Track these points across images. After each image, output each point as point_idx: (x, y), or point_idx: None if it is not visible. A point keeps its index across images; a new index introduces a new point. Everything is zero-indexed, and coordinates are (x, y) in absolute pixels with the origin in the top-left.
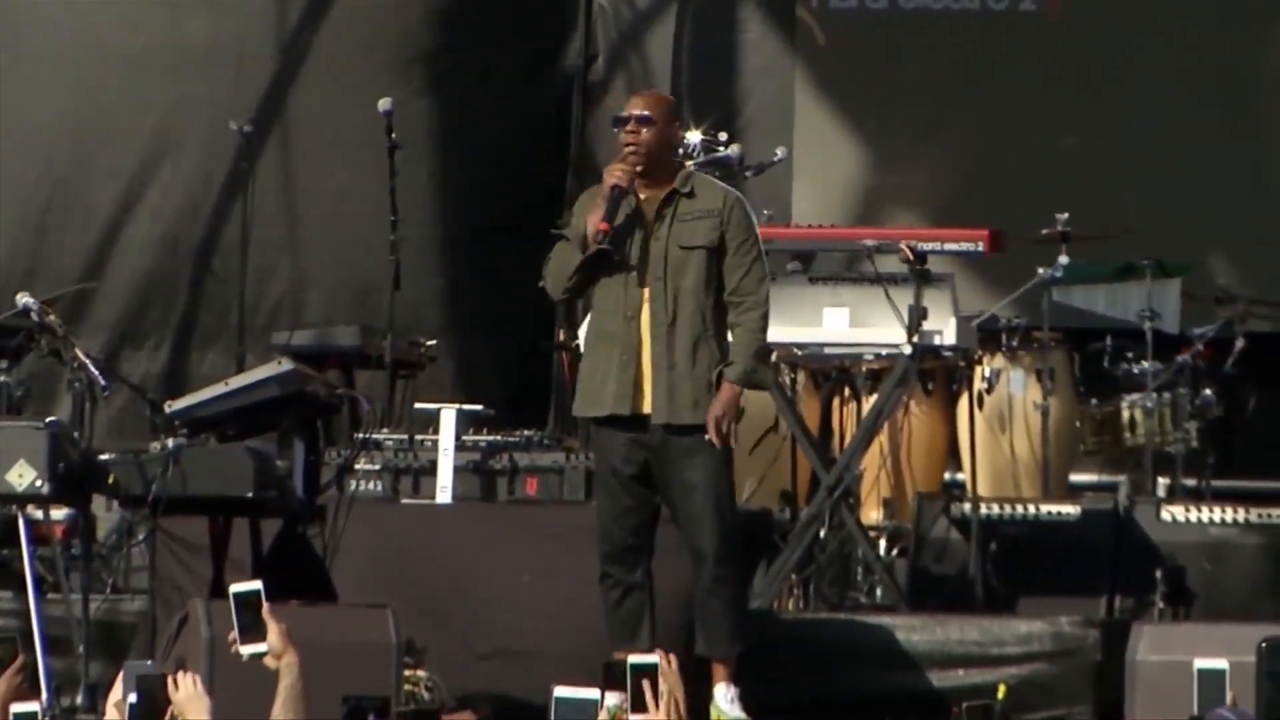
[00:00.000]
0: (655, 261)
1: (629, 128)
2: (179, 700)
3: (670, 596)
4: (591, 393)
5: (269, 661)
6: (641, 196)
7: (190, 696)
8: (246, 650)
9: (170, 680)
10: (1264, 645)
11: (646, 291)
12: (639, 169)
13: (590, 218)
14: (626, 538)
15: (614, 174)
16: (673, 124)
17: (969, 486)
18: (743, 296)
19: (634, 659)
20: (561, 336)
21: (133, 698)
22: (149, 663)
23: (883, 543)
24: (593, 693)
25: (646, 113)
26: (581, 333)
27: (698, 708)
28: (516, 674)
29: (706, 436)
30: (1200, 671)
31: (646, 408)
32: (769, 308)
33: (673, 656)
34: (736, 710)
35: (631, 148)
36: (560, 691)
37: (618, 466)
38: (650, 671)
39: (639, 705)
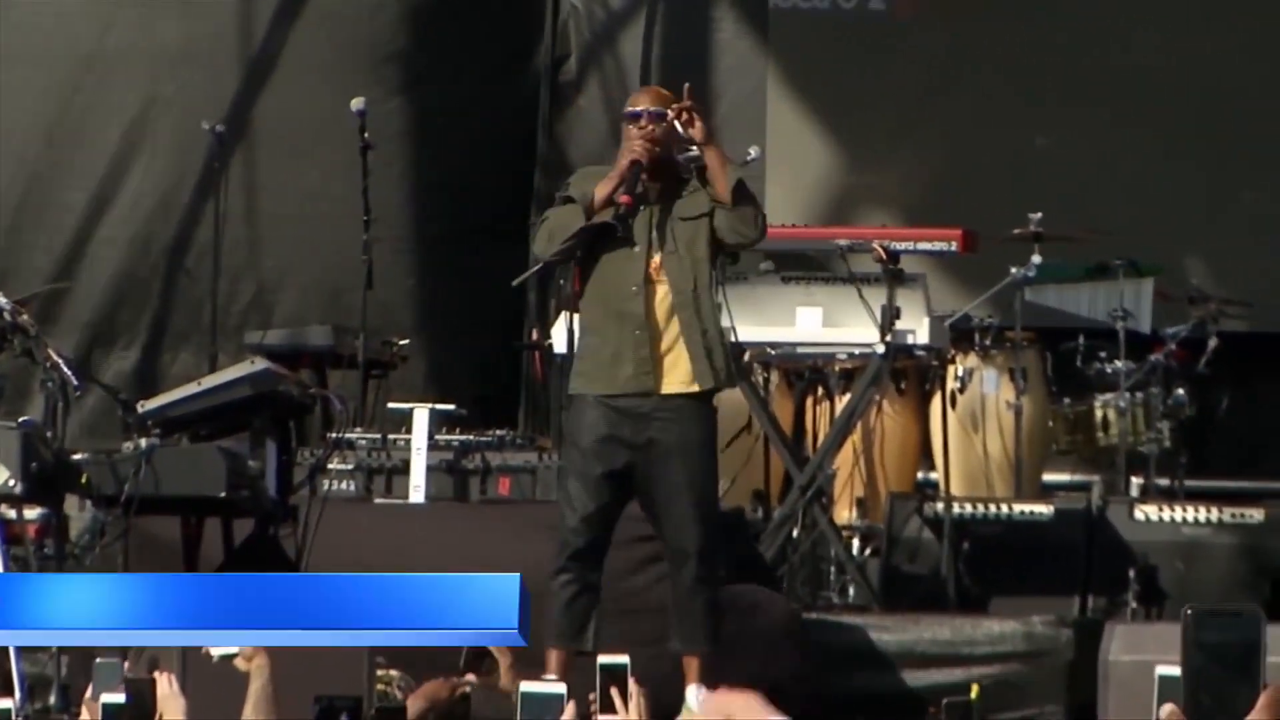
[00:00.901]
0: (667, 236)
1: (642, 123)
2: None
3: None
4: (599, 370)
5: (240, 664)
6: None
7: (166, 696)
8: (218, 653)
9: (153, 683)
10: (1189, 613)
11: (657, 267)
12: (655, 150)
13: (601, 188)
14: (597, 536)
15: (634, 149)
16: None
17: (942, 486)
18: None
19: (604, 659)
20: (533, 336)
21: (117, 697)
22: (121, 661)
23: (855, 542)
24: (560, 687)
25: (659, 108)
26: (555, 332)
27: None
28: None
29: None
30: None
31: (662, 386)
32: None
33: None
34: None
35: (647, 142)
36: (526, 686)
37: (601, 466)
38: (620, 672)
39: (607, 706)
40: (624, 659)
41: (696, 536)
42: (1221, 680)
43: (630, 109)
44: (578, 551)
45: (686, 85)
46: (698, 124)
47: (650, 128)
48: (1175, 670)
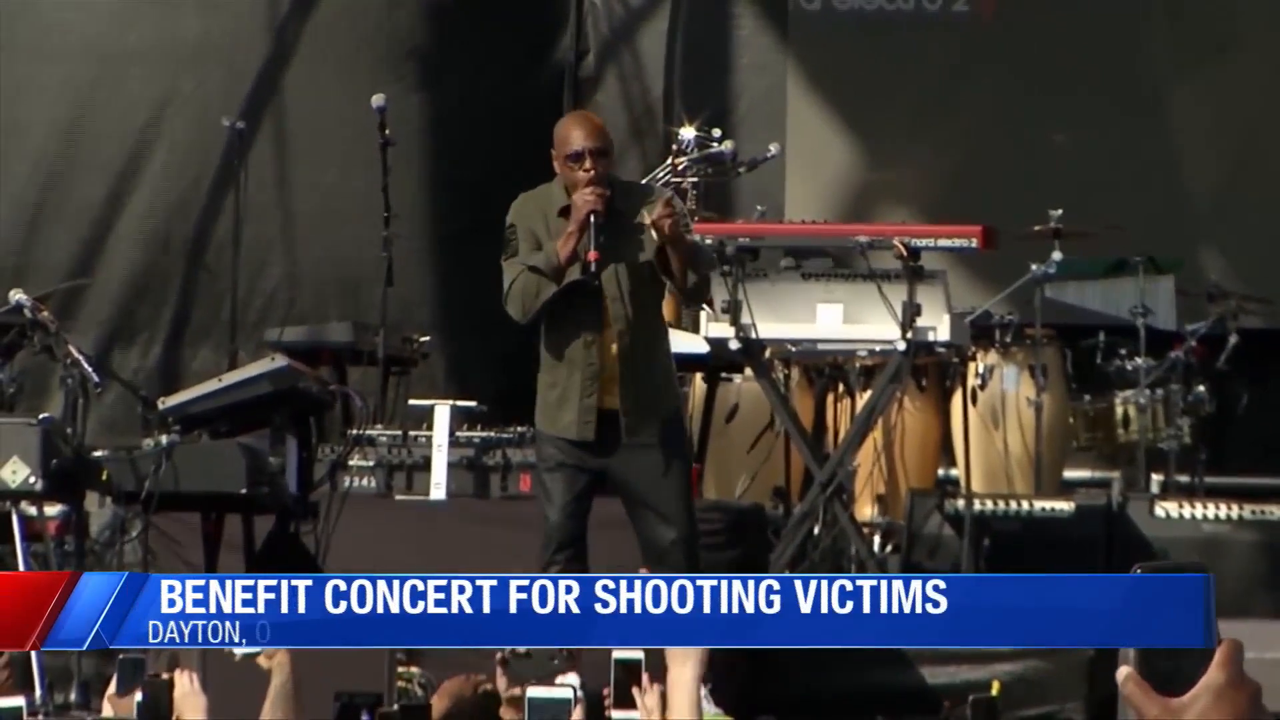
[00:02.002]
0: (609, 282)
1: (586, 165)
2: (176, 698)
3: None
4: (550, 412)
5: (262, 661)
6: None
7: (187, 694)
8: (239, 651)
9: (170, 684)
10: (1136, 573)
11: (605, 316)
12: (608, 195)
13: (564, 247)
14: (577, 527)
15: (588, 200)
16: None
17: (962, 483)
18: None
19: (618, 654)
20: None
21: (138, 696)
22: (143, 657)
23: (876, 539)
24: (566, 692)
25: (602, 145)
26: None
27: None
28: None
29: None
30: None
31: (611, 406)
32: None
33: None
34: (711, 706)
35: (596, 180)
36: (534, 691)
37: (574, 463)
38: (635, 668)
39: (621, 701)
40: (639, 654)
41: (680, 530)
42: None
43: (570, 149)
44: (562, 543)
45: (668, 194)
46: (672, 230)
47: (593, 169)
48: None
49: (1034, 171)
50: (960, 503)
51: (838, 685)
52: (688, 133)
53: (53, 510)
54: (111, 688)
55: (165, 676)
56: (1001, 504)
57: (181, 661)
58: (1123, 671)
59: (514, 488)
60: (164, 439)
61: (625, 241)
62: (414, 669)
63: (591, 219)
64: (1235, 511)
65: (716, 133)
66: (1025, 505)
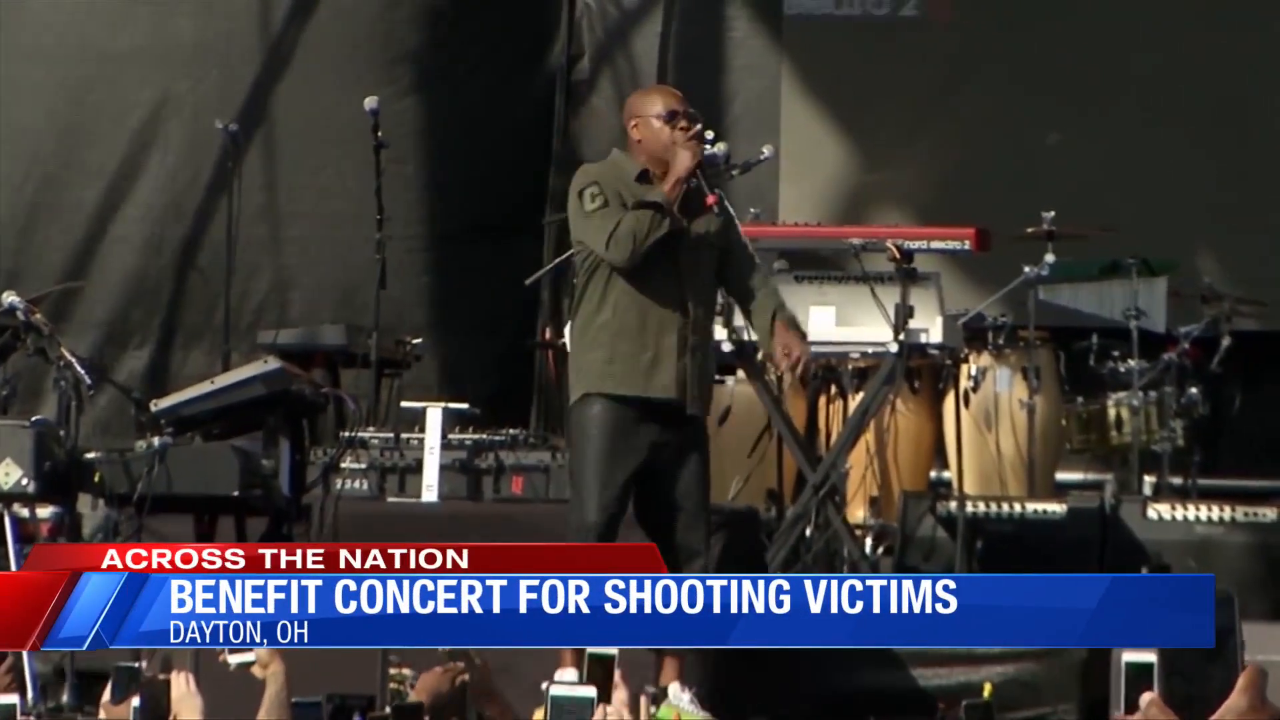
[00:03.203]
0: (692, 267)
1: (683, 122)
2: (173, 700)
3: None
4: (636, 373)
5: (256, 671)
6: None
7: (183, 696)
8: (234, 660)
9: (168, 683)
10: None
11: (684, 289)
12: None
13: (671, 189)
14: (607, 528)
15: (694, 150)
16: None
17: (955, 485)
18: (769, 285)
19: (592, 650)
20: (546, 334)
21: (135, 701)
22: (139, 664)
23: (869, 541)
24: (589, 690)
25: (692, 108)
26: (568, 331)
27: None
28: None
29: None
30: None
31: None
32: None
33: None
34: (699, 710)
35: (697, 135)
36: (556, 690)
37: (629, 463)
38: (609, 663)
39: (605, 695)
40: (613, 650)
41: (704, 535)
42: (1194, 665)
43: (665, 109)
44: (603, 536)
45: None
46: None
47: (692, 125)
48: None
49: (1027, 174)
50: (953, 505)
51: (830, 686)
52: None
53: (45, 512)
54: (106, 695)
55: (162, 678)
56: (994, 506)
57: (175, 663)
58: (1146, 696)
59: (506, 490)
60: (157, 441)
61: (704, 223)
62: (405, 670)
63: (698, 168)
64: (1228, 514)
65: (710, 135)
66: (1018, 507)
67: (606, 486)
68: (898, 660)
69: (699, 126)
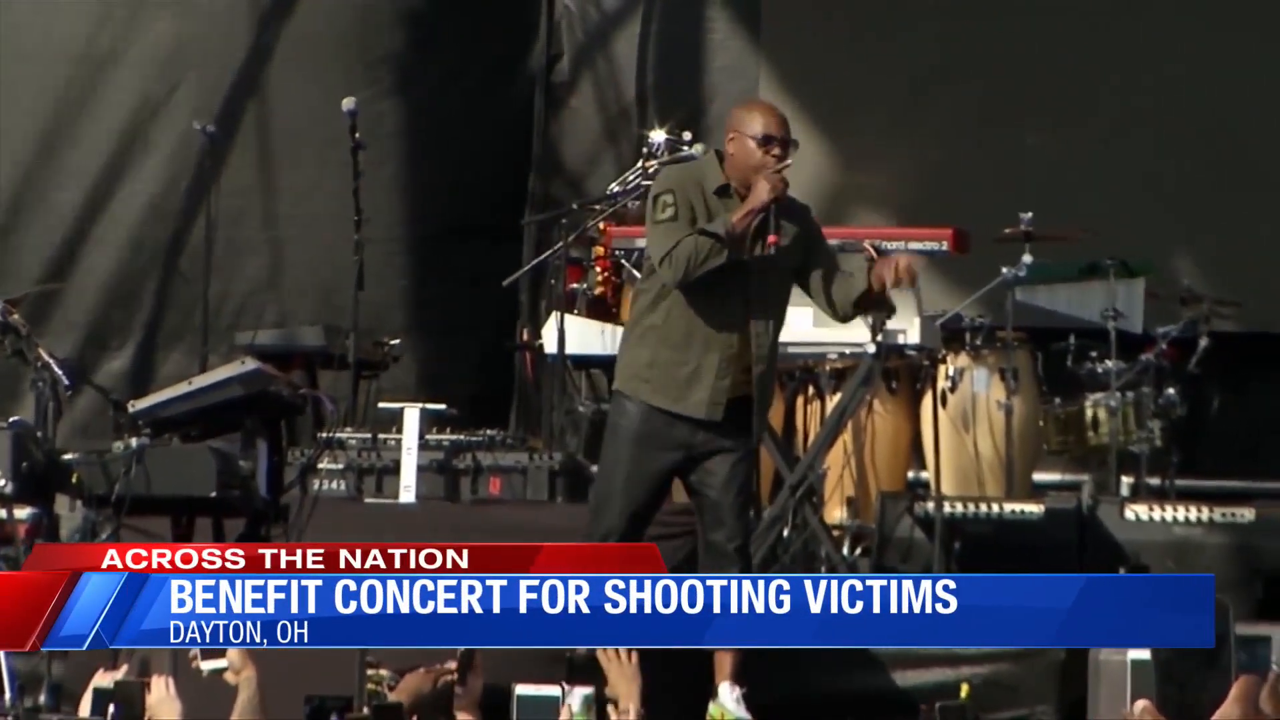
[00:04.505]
0: (760, 285)
1: (776, 151)
2: (152, 704)
3: None
4: (674, 388)
5: (229, 677)
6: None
7: (163, 700)
8: (207, 666)
9: (144, 685)
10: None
11: (749, 307)
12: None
13: (739, 220)
14: (633, 533)
15: (775, 185)
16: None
17: (933, 486)
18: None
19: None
20: (525, 336)
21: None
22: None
23: (846, 542)
24: (554, 690)
25: (790, 138)
26: (546, 333)
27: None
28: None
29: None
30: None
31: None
32: None
33: (634, 653)
34: (742, 710)
35: (782, 171)
36: (522, 689)
37: (656, 463)
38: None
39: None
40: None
41: (741, 535)
42: (1189, 672)
43: (762, 131)
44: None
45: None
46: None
47: (784, 156)
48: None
49: (1007, 175)
50: (931, 506)
51: (808, 688)
52: (658, 136)
53: (23, 513)
54: (84, 707)
55: (137, 681)
56: (972, 507)
57: (154, 667)
58: (1140, 704)
59: (484, 491)
60: (135, 442)
61: (782, 250)
62: (383, 671)
63: (774, 204)
64: (1206, 514)
65: (687, 135)
66: (996, 508)
67: (630, 494)
68: (875, 661)
69: (789, 162)
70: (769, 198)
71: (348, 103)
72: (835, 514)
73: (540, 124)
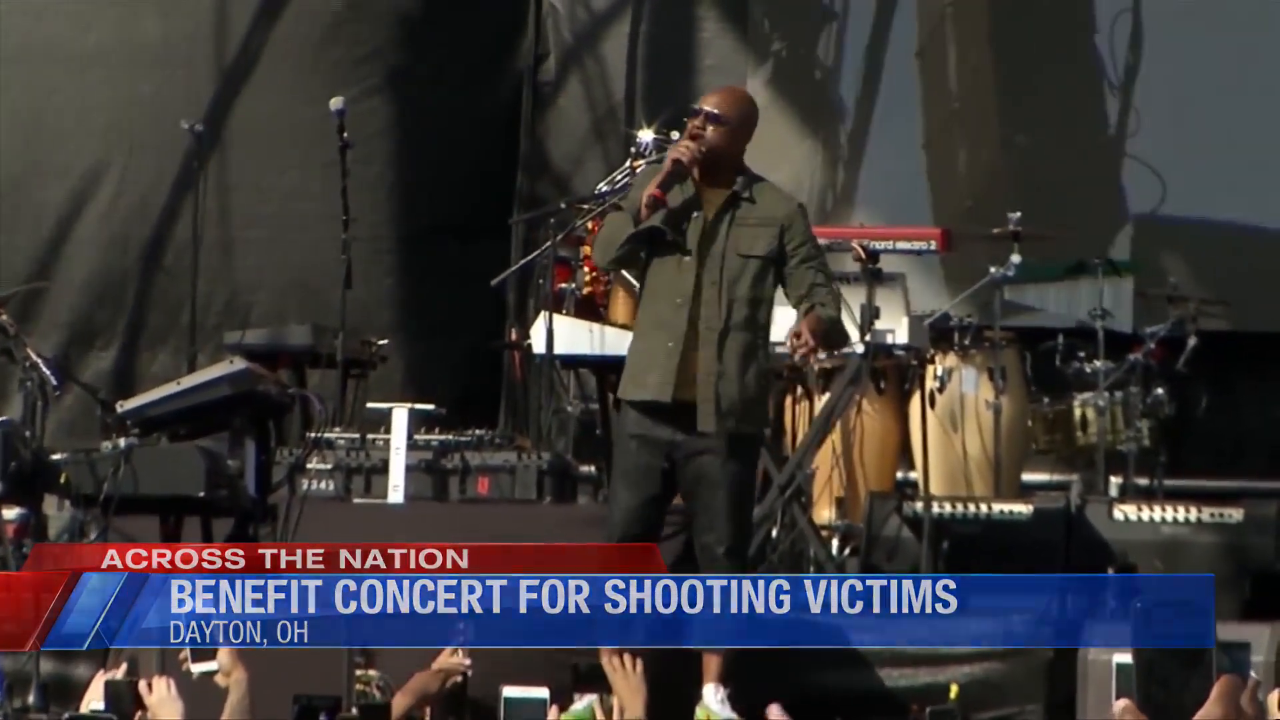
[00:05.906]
0: (712, 265)
1: (697, 121)
2: (153, 704)
3: None
4: (637, 377)
5: (219, 679)
6: (702, 195)
7: (164, 700)
8: (197, 668)
9: (144, 685)
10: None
11: (700, 290)
12: (701, 153)
13: (646, 192)
14: (639, 532)
15: (678, 149)
16: (746, 130)
17: (921, 485)
18: (814, 292)
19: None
20: (513, 335)
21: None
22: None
23: (835, 542)
24: (541, 692)
25: (718, 111)
26: (534, 332)
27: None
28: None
29: (796, 353)
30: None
31: (689, 395)
32: (839, 302)
33: (639, 662)
34: (727, 710)
35: (693, 141)
36: (509, 691)
37: (647, 461)
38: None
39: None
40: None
41: (729, 537)
42: (1172, 672)
43: (695, 105)
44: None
45: (798, 328)
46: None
47: (705, 128)
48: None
49: (994, 174)
50: (919, 505)
51: (796, 687)
52: (646, 135)
53: (11, 513)
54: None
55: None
56: (960, 507)
57: (141, 666)
58: (1120, 703)
59: (472, 491)
60: (123, 442)
61: (744, 234)
62: (372, 672)
63: (675, 166)
64: (1194, 514)
65: (675, 135)
66: (984, 508)
67: (627, 500)
68: (863, 660)
69: (695, 123)
70: (669, 162)
71: (335, 102)
72: (824, 514)
73: (528, 123)
